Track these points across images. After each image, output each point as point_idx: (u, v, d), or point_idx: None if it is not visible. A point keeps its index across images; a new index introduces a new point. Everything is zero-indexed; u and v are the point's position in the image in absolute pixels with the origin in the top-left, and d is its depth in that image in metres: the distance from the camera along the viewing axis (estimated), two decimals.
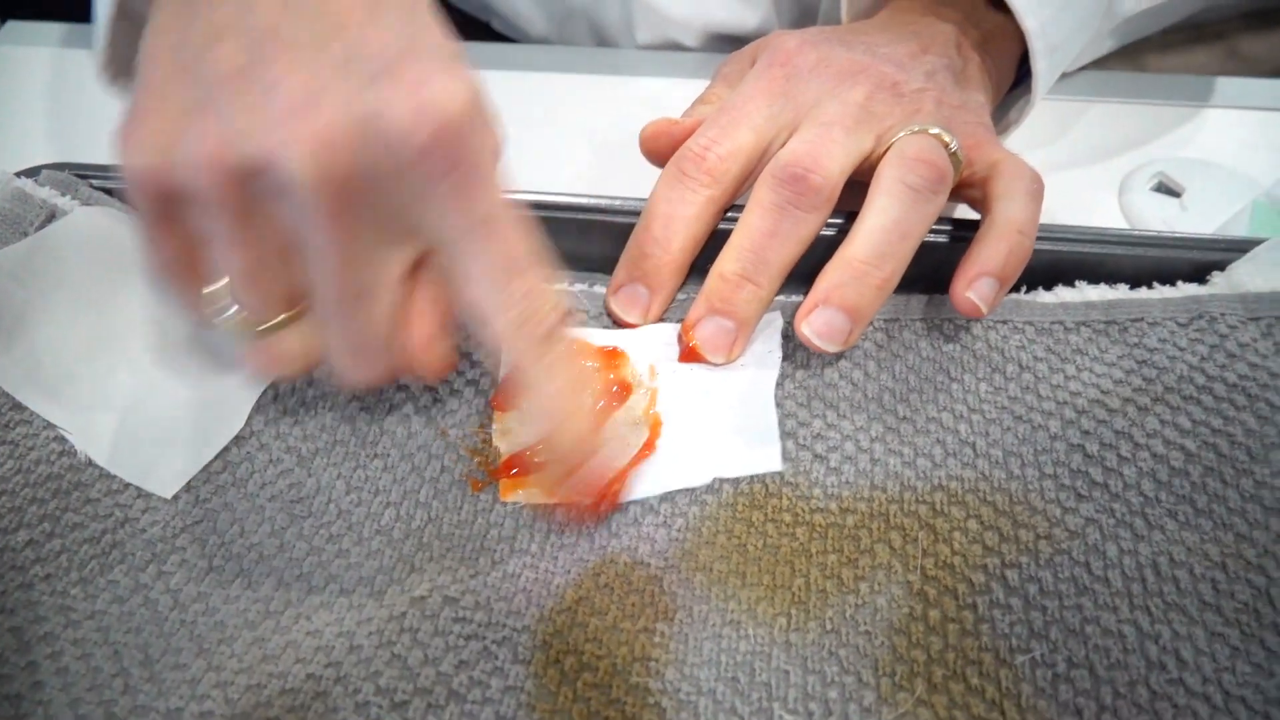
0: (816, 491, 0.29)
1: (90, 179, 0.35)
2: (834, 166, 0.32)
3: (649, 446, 0.30)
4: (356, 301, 0.26)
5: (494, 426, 0.30)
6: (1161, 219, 0.41)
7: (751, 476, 0.29)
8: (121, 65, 0.35)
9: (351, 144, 0.23)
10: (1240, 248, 0.33)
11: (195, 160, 0.23)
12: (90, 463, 0.29)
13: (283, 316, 0.27)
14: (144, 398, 0.30)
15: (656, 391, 0.31)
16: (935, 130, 0.32)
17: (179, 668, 0.25)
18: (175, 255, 0.26)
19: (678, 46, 0.53)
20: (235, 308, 0.26)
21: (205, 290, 0.26)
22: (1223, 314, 0.31)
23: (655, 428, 0.30)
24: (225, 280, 0.26)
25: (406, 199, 0.24)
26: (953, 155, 0.32)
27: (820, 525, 0.28)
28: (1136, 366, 0.31)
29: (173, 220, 0.25)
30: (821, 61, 0.35)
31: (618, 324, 0.33)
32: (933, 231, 0.33)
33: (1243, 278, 0.32)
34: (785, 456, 0.29)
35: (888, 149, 0.33)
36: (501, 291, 0.25)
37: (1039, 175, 0.33)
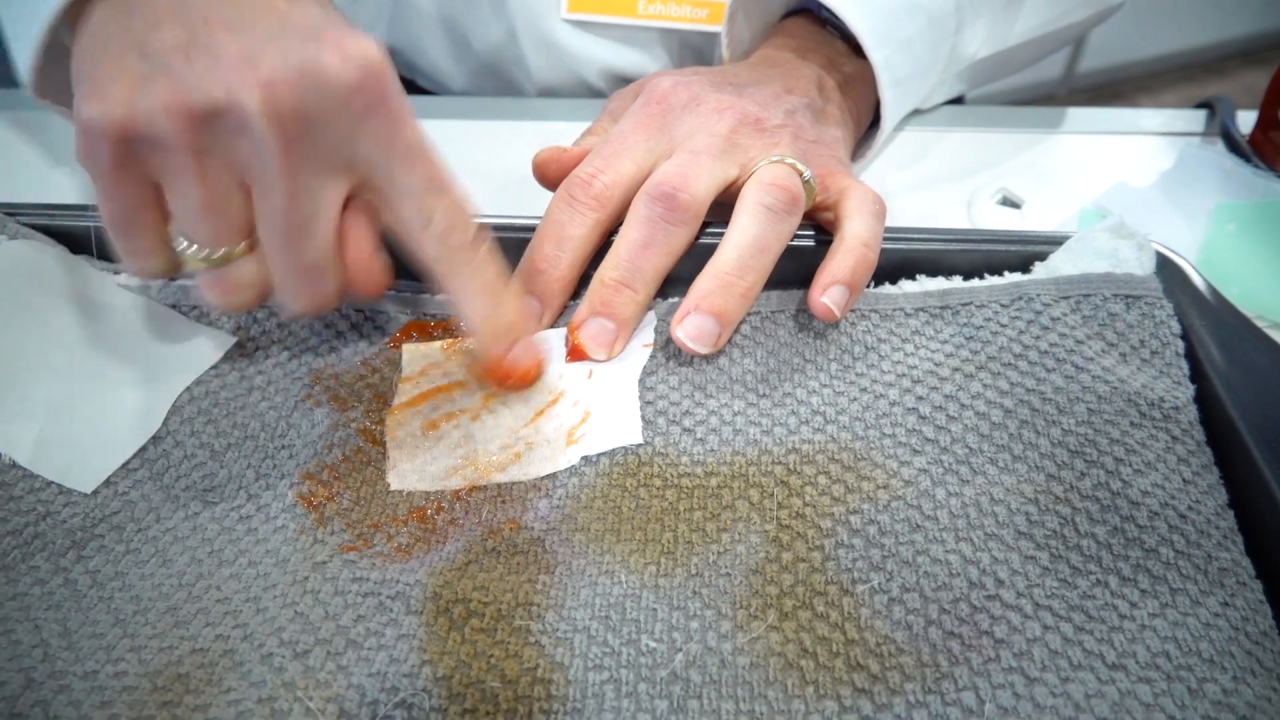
0: (684, 459, 0.32)
1: (19, 216, 0.37)
2: (701, 187, 0.36)
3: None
4: (302, 228, 0.30)
5: (389, 471, 0.33)
6: (1004, 227, 0.46)
7: (625, 449, 0.32)
8: (48, 82, 0.39)
9: (294, 86, 0.28)
10: (1056, 241, 0.38)
11: (157, 107, 0.28)
12: (14, 465, 0.31)
13: (235, 249, 0.31)
14: (64, 406, 0.33)
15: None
16: (790, 160, 0.37)
17: (96, 637, 0.27)
18: (132, 203, 0.30)
19: (582, 82, 0.58)
20: (192, 245, 0.30)
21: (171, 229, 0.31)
22: (1038, 294, 0.35)
23: (545, 409, 0.34)
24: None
25: (343, 133, 0.29)
26: (806, 183, 0.37)
27: (687, 487, 0.31)
28: (965, 342, 0.35)
29: (129, 169, 0.29)
30: (693, 100, 0.39)
31: None
32: (797, 237, 0.37)
33: (1057, 265, 0.37)
34: (656, 431, 0.33)
35: (750, 176, 0.37)
36: (426, 206, 0.31)
37: (881, 198, 0.38)
